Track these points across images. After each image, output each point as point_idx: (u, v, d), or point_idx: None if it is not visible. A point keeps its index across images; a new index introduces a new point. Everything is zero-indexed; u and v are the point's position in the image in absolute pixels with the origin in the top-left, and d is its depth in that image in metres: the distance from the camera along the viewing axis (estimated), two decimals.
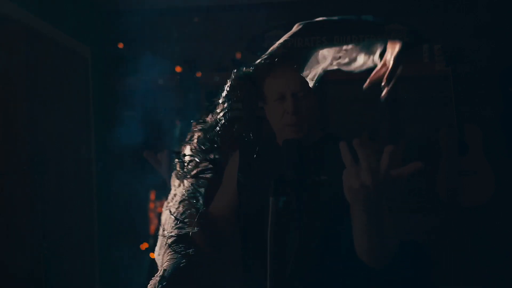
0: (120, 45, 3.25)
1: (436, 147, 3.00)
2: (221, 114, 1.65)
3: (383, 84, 1.57)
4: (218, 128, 1.64)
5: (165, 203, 1.79)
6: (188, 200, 1.60)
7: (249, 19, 3.39)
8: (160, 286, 1.50)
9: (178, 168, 1.68)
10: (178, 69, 3.32)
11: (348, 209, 1.37)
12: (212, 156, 1.64)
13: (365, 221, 1.11)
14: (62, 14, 2.84)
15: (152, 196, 3.16)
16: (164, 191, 1.88)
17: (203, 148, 1.65)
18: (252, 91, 1.58)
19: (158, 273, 1.56)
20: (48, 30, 2.65)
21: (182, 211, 1.58)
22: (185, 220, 1.56)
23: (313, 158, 1.44)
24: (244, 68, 1.73)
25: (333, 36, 3.34)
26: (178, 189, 1.68)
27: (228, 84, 1.69)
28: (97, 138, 3.17)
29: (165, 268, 1.53)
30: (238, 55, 3.34)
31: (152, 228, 3.18)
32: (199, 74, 3.25)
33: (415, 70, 3.18)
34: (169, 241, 1.57)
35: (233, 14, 3.41)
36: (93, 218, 3.14)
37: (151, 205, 3.18)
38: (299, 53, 1.61)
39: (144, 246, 3.05)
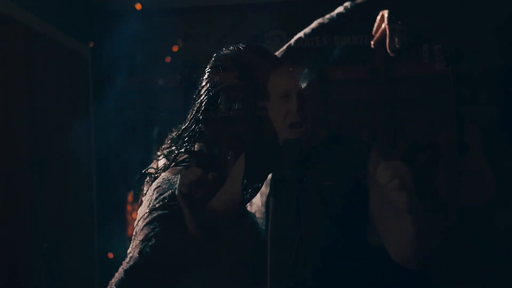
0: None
1: (436, 147, 2.99)
2: (204, 95, 1.66)
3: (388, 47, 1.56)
4: (200, 112, 1.65)
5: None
6: (162, 186, 1.58)
7: (249, 19, 3.39)
8: (128, 266, 1.48)
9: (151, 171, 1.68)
10: (175, 48, 3.32)
11: (351, 211, 1.38)
12: (196, 148, 1.64)
13: (410, 220, 1.15)
14: (62, 14, 2.84)
15: (130, 198, 3.12)
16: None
17: (183, 138, 1.65)
18: (251, 89, 1.57)
19: (128, 254, 1.52)
20: (48, 30, 2.65)
21: (155, 197, 1.56)
22: (157, 205, 1.54)
23: (318, 160, 1.43)
24: (224, 49, 1.74)
25: (333, 36, 3.34)
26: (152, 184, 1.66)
27: (210, 65, 1.70)
28: (97, 138, 3.17)
29: (135, 250, 1.50)
30: None
31: (130, 230, 3.14)
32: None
33: (415, 70, 3.18)
34: (141, 225, 1.53)
35: (233, 14, 3.41)
36: (93, 218, 3.14)
37: (129, 207, 3.14)
38: (309, 55, 1.61)
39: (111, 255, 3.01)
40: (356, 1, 1.67)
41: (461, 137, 2.92)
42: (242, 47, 1.73)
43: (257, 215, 1.60)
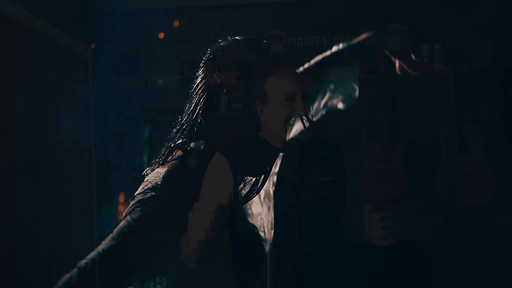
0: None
1: (436, 147, 3.00)
2: (201, 90, 1.66)
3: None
4: (197, 106, 1.64)
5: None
6: (150, 179, 1.59)
7: (249, 19, 3.39)
8: (111, 242, 1.50)
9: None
10: (161, 35, 3.31)
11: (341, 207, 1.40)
12: (191, 145, 1.64)
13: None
14: (62, 14, 2.84)
15: (121, 198, 3.11)
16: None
17: (181, 132, 1.66)
18: (252, 89, 1.56)
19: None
20: (48, 30, 2.65)
21: (142, 186, 1.59)
22: (139, 191, 1.56)
23: (313, 159, 1.43)
24: (221, 42, 1.74)
25: (333, 36, 3.34)
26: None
27: (206, 56, 1.70)
28: (97, 138, 3.17)
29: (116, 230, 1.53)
30: None
31: None
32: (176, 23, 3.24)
33: (415, 70, 3.18)
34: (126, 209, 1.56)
35: (233, 14, 3.41)
36: (93, 218, 3.14)
37: (120, 208, 3.13)
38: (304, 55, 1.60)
39: None
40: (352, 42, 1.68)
41: (461, 137, 2.92)
42: (239, 39, 1.73)
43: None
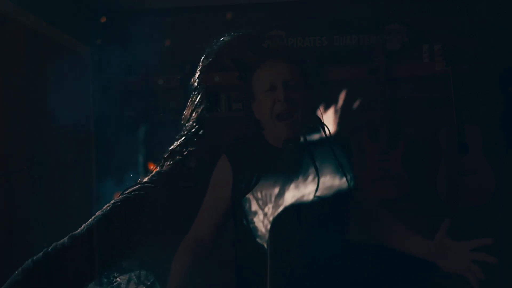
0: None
1: (436, 147, 3.00)
2: (200, 88, 1.68)
3: None
4: (198, 107, 1.66)
5: None
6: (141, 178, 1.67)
7: (249, 19, 3.39)
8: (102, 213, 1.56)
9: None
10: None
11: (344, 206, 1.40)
12: (189, 149, 1.66)
13: None
14: (62, 14, 2.84)
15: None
16: None
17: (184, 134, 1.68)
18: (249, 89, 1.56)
19: None
20: (48, 30, 2.65)
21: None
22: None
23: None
24: (223, 37, 1.74)
25: (333, 36, 3.34)
26: None
27: (207, 52, 1.71)
28: (97, 138, 3.17)
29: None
30: None
31: None
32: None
33: (415, 70, 3.18)
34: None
35: (233, 14, 3.41)
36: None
37: None
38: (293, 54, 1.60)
39: None
40: None
41: (461, 137, 2.92)
42: (240, 34, 1.74)
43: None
